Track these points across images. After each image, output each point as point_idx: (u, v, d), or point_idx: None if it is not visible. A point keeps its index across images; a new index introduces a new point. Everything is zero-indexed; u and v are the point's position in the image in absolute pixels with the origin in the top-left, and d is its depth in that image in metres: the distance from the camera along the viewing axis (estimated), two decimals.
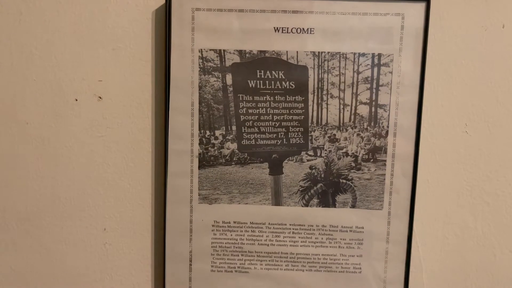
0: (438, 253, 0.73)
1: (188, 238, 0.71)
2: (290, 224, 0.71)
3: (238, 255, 0.71)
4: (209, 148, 0.69)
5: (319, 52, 0.67)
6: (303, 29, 0.66)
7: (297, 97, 0.68)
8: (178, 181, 0.69)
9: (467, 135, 0.71)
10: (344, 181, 0.70)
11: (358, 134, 0.69)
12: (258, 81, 0.68)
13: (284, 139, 0.69)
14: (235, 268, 0.72)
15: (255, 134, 0.69)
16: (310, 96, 0.68)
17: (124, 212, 0.73)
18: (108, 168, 0.72)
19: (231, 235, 0.71)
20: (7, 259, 0.74)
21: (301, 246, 0.71)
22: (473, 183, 0.72)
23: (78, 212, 0.73)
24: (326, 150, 0.69)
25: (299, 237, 0.71)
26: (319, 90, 0.68)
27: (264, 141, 0.69)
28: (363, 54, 0.67)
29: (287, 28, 0.66)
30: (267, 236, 0.71)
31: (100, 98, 0.71)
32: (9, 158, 0.72)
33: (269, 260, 0.71)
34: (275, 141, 0.69)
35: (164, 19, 0.67)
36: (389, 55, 0.67)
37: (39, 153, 0.72)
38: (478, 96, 0.70)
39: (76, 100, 0.71)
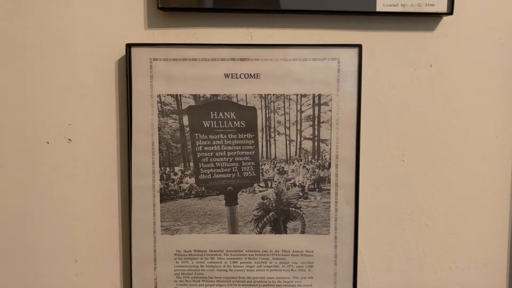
0: (384, 273, 0.80)
1: (153, 267, 0.77)
2: (246, 251, 0.77)
3: (199, 281, 0.77)
4: (169, 183, 0.76)
5: (265, 95, 0.74)
6: (250, 74, 0.74)
7: (247, 134, 0.75)
8: (142, 215, 0.76)
9: (404, 164, 0.78)
10: (294, 209, 0.77)
11: (304, 166, 0.76)
12: (212, 122, 0.75)
13: (238, 173, 0.76)
14: None
15: (211, 169, 0.76)
16: (259, 134, 0.75)
17: (94, 244, 0.79)
18: (78, 204, 0.78)
19: (192, 262, 0.77)
20: None
21: (257, 270, 0.77)
22: (412, 207, 0.79)
23: (51, 245, 0.79)
24: (276, 181, 0.76)
25: (255, 262, 0.77)
26: (267, 128, 0.75)
27: (219, 175, 0.76)
28: (305, 95, 0.75)
29: (236, 74, 0.74)
30: (225, 263, 0.77)
31: (70, 140, 0.77)
32: None
33: (228, 285, 0.77)
34: (229, 174, 0.76)
35: (125, 68, 0.74)
36: (328, 95, 0.75)
37: (14, 192, 0.77)
38: (412, 128, 0.78)
39: (48, 143, 0.77)
